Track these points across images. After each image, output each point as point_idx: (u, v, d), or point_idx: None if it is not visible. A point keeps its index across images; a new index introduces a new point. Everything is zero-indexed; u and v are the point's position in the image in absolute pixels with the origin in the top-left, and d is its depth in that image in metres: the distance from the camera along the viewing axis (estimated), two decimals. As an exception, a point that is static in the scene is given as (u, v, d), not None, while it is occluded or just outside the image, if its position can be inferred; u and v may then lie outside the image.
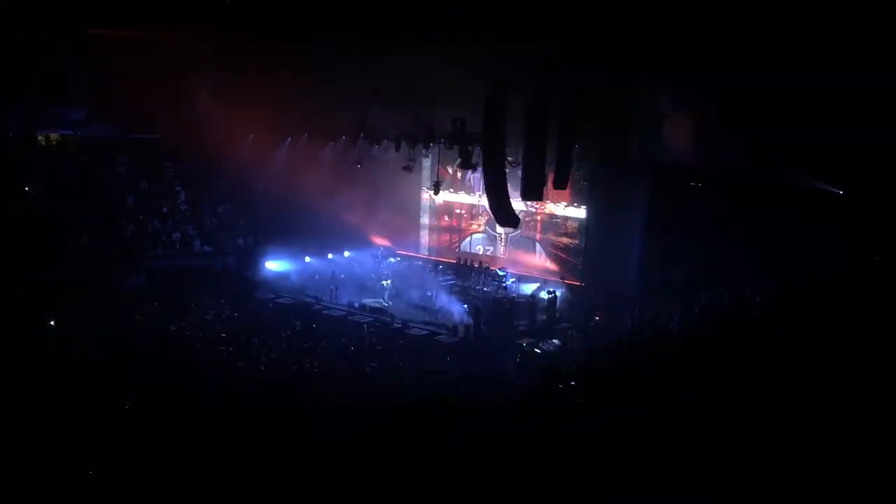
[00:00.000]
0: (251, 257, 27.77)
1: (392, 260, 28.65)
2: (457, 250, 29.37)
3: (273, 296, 25.83)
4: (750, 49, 17.50)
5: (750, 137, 19.29)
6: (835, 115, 17.39)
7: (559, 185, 22.10)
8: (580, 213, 26.14)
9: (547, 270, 26.67)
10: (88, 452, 12.10)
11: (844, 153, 18.43)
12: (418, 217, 30.59)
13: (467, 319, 23.32)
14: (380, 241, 29.72)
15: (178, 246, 27.47)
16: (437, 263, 28.75)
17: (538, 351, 20.76)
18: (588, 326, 22.24)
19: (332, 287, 26.02)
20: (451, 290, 26.00)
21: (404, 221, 29.88)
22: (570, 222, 26.64)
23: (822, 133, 17.72)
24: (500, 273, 26.47)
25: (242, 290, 25.66)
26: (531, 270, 27.06)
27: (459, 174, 28.47)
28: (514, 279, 26.15)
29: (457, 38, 20.26)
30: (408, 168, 26.63)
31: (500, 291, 25.32)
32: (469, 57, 21.02)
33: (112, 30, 24.93)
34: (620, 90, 21.74)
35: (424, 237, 30.71)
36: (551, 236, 27.18)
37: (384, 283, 26.02)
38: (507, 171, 21.50)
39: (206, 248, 27.92)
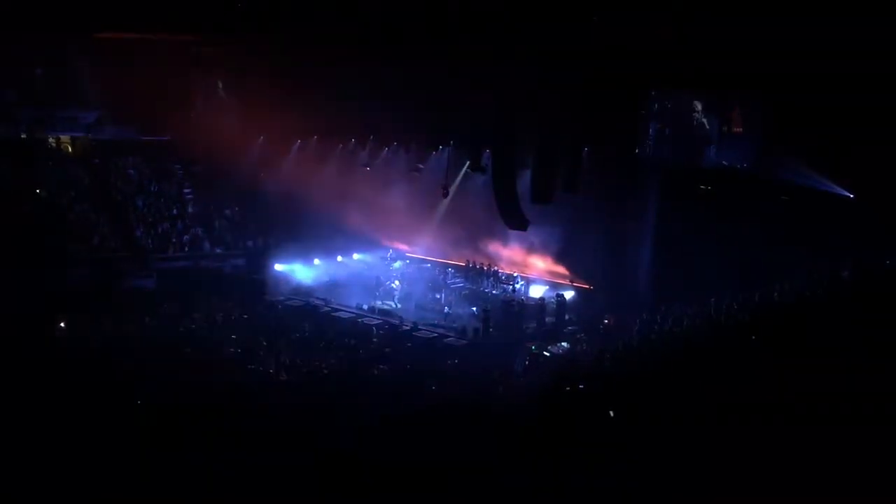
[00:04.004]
0: (261, 259, 27.80)
1: (398, 264, 28.55)
2: (467, 253, 29.20)
3: (283, 298, 25.84)
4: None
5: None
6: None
7: (569, 188, 22.04)
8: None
9: (556, 273, 26.56)
10: (98, 450, 12.14)
11: (856, 156, 18.37)
12: (427, 220, 30.45)
13: (476, 322, 23.28)
14: (394, 243, 29.63)
15: (187, 248, 27.53)
16: (446, 266, 28.66)
17: (547, 354, 20.70)
18: (597, 329, 22.15)
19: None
20: (460, 293, 25.94)
21: (414, 224, 29.79)
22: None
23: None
24: (502, 274, 26.42)
25: (252, 292, 25.70)
26: (540, 273, 26.94)
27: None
28: (522, 282, 26.08)
29: (464, 43, 20.31)
30: (417, 171, 26.58)
31: (508, 294, 25.27)
32: (478, 62, 21.04)
33: (123, 33, 25.08)
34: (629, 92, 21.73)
35: (433, 240, 30.54)
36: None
37: (394, 284, 25.96)
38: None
39: (215, 249, 27.97)
